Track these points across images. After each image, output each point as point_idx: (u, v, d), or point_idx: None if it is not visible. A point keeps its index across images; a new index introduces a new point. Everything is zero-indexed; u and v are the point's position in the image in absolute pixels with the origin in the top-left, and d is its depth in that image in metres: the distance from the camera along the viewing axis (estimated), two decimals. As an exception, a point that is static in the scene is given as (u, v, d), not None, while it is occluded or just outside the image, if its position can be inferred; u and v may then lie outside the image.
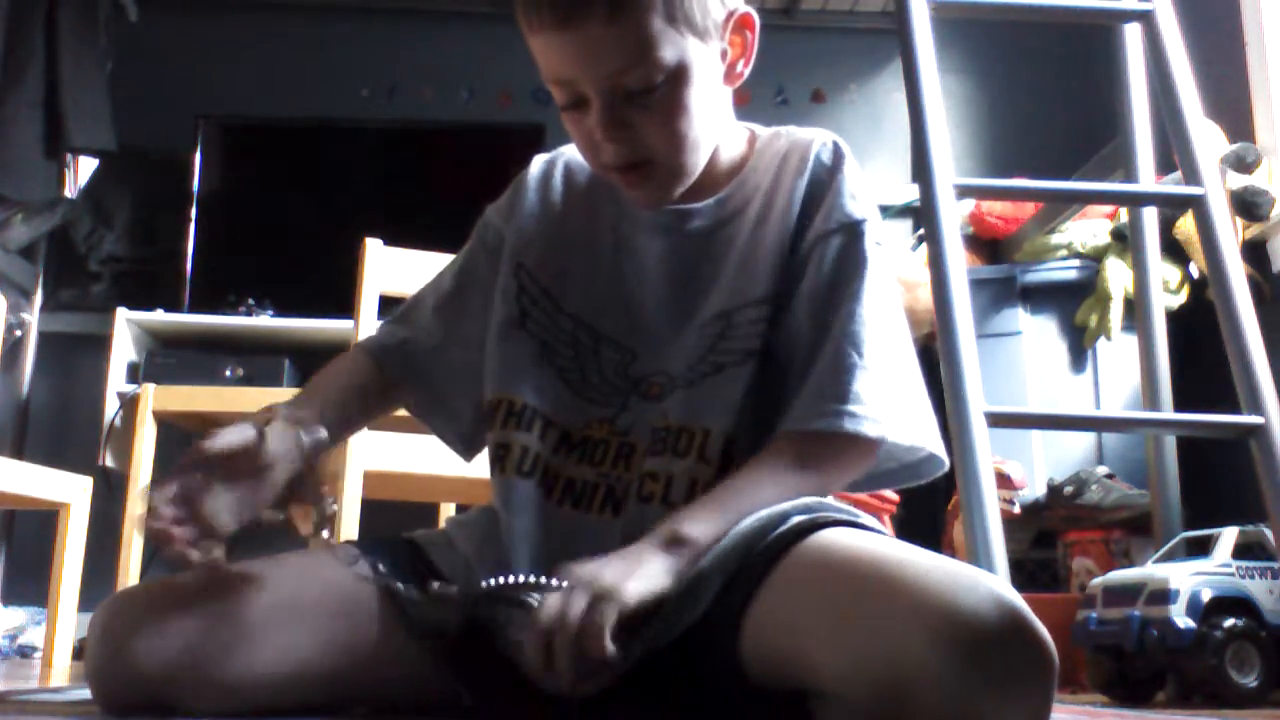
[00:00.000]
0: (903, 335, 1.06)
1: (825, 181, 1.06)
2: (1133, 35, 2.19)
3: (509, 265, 1.12)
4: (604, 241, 1.11)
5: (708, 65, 1.00)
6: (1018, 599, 0.76)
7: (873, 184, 3.65)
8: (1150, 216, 2.24)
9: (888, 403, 1.00)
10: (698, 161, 1.04)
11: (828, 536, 0.89)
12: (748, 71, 1.06)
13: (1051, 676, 0.75)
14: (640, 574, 0.88)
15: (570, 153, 1.17)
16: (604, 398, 1.06)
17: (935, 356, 1.63)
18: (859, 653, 0.77)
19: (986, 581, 0.77)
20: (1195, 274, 2.49)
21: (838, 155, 1.08)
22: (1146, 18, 1.89)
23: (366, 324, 1.93)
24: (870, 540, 0.88)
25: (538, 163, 1.18)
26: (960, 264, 1.66)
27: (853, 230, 1.05)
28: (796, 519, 0.92)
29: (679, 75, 0.97)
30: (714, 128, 1.05)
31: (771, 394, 1.02)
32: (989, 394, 1.60)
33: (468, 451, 1.18)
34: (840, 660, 0.78)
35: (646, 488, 1.00)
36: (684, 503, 0.99)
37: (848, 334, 1.01)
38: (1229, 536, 1.72)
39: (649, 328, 1.07)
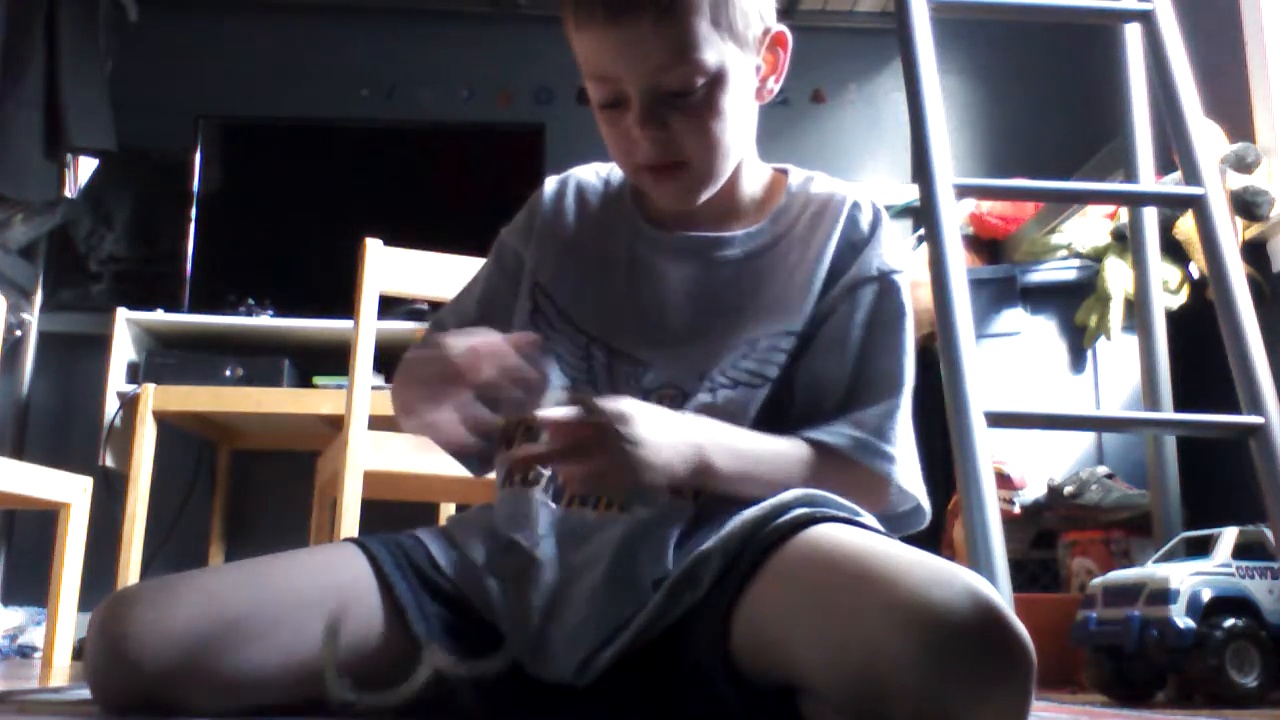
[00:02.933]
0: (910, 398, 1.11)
1: (863, 233, 1.10)
2: (1133, 35, 2.19)
3: (527, 286, 1.14)
4: (619, 262, 1.13)
5: (745, 75, 1.05)
6: (994, 595, 0.76)
7: (873, 184, 3.66)
8: (1150, 216, 2.24)
9: (907, 452, 1.06)
10: (726, 169, 1.07)
11: (821, 531, 0.90)
12: (777, 88, 1.10)
13: (1028, 673, 0.75)
14: (661, 448, 0.94)
15: (580, 174, 1.20)
16: None
17: (935, 356, 1.63)
18: (837, 646, 0.78)
19: (964, 577, 0.78)
20: (1195, 274, 2.49)
21: (877, 213, 1.12)
22: (1146, 18, 1.89)
23: (366, 324, 1.93)
24: (860, 536, 0.89)
25: (550, 183, 1.19)
26: (960, 264, 1.66)
27: (891, 281, 1.09)
28: (798, 511, 0.93)
29: (718, 79, 1.01)
30: (745, 139, 1.08)
31: (777, 421, 1.04)
32: (989, 394, 1.60)
33: (482, 468, 1.20)
34: (819, 653, 0.80)
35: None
36: (689, 496, 1.01)
37: (888, 379, 1.06)
38: (1229, 536, 1.72)
39: (665, 344, 1.08)
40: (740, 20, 1.02)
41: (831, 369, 1.07)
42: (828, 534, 0.89)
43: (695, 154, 1.03)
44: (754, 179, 1.14)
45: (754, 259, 1.10)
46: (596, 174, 1.20)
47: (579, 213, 1.17)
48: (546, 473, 1.05)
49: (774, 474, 1.00)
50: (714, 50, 1.00)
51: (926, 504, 1.09)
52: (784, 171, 1.17)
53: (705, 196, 1.08)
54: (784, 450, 1.03)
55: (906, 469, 1.06)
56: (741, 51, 1.03)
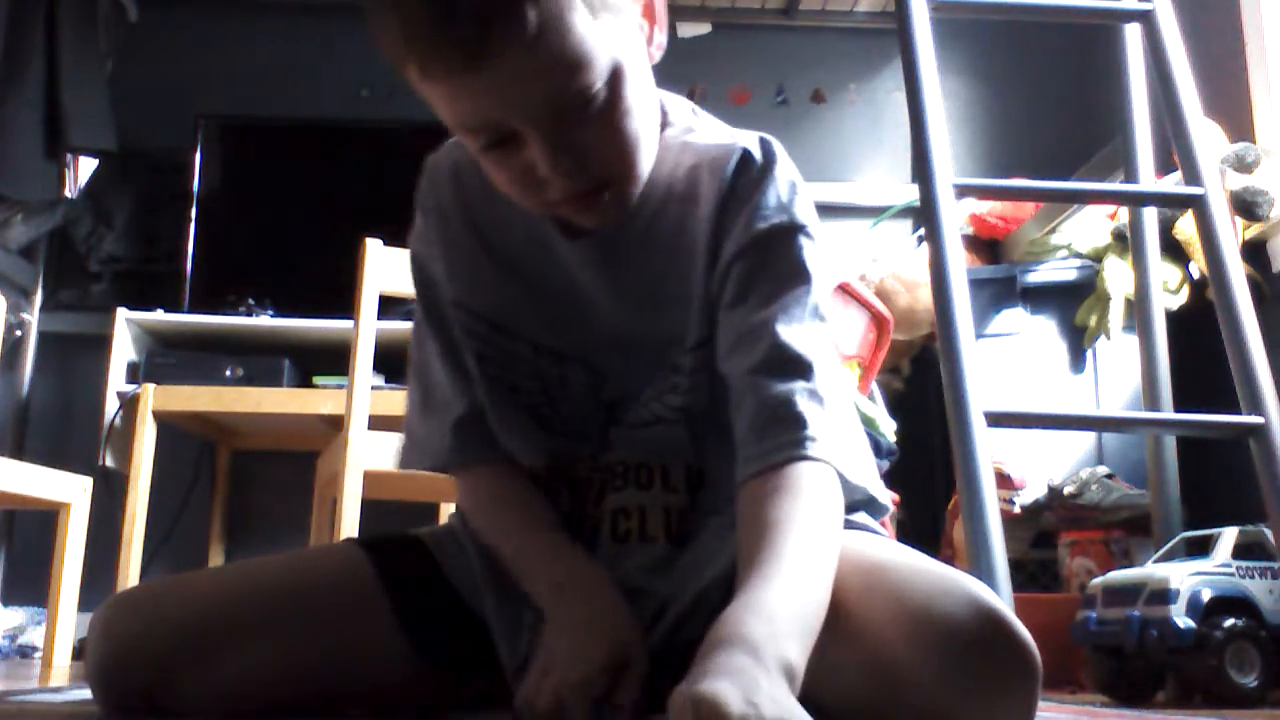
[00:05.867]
0: (837, 365, 0.97)
1: (747, 190, 0.94)
2: (1133, 35, 2.19)
3: (448, 304, 1.02)
4: (525, 255, 1.00)
5: (635, 47, 0.87)
6: (997, 602, 0.76)
7: (873, 184, 3.65)
8: (1150, 216, 2.24)
9: (837, 433, 0.90)
10: (649, 163, 0.92)
11: None
12: (665, 39, 0.92)
13: (1033, 679, 0.75)
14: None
15: (457, 157, 1.03)
16: (581, 428, 1.01)
17: (935, 356, 1.63)
18: (840, 658, 0.77)
19: (967, 585, 0.77)
20: (1195, 274, 2.49)
21: (767, 156, 0.95)
22: (1146, 18, 1.89)
23: (366, 324, 1.93)
24: (863, 543, 0.88)
25: (426, 177, 1.05)
26: (960, 264, 1.66)
27: (785, 236, 0.93)
28: None
29: (617, 74, 0.83)
30: (654, 119, 0.92)
31: (725, 443, 0.93)
32: (989, 394, 1.60)
33: None
34: (823, 666, 0.78)
35: (621, 525, 0.97)
36: (664, 535, 0.95)
37: (792, 361, 0.90)
38: (1229, 536, 1.72)
39: (602, 346, 1.00)
40: None
41: (733, 361, 0.91)
42: None
43: (617, 165, 0.87)
44: None
45: (646, 236, 0.96)
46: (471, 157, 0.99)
47: (467, 207, 1.02)
48: None
49: (820, 589, 0.79)
50: (601, 40, 0.81)
51: (882, 493, 0.95)
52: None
53: (634, 199, 0.93)
54: (795, 564, 0.79)
55: (842, 452, 0.88)
56: (622, 22, 0.84)
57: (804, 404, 0.88)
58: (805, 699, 0.81)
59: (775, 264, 0.93)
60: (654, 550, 0.96)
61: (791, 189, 0.96)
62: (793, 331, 0.90)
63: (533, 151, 0.84)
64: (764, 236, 0.93)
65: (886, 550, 0.86)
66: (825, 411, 0.89)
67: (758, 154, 0.95)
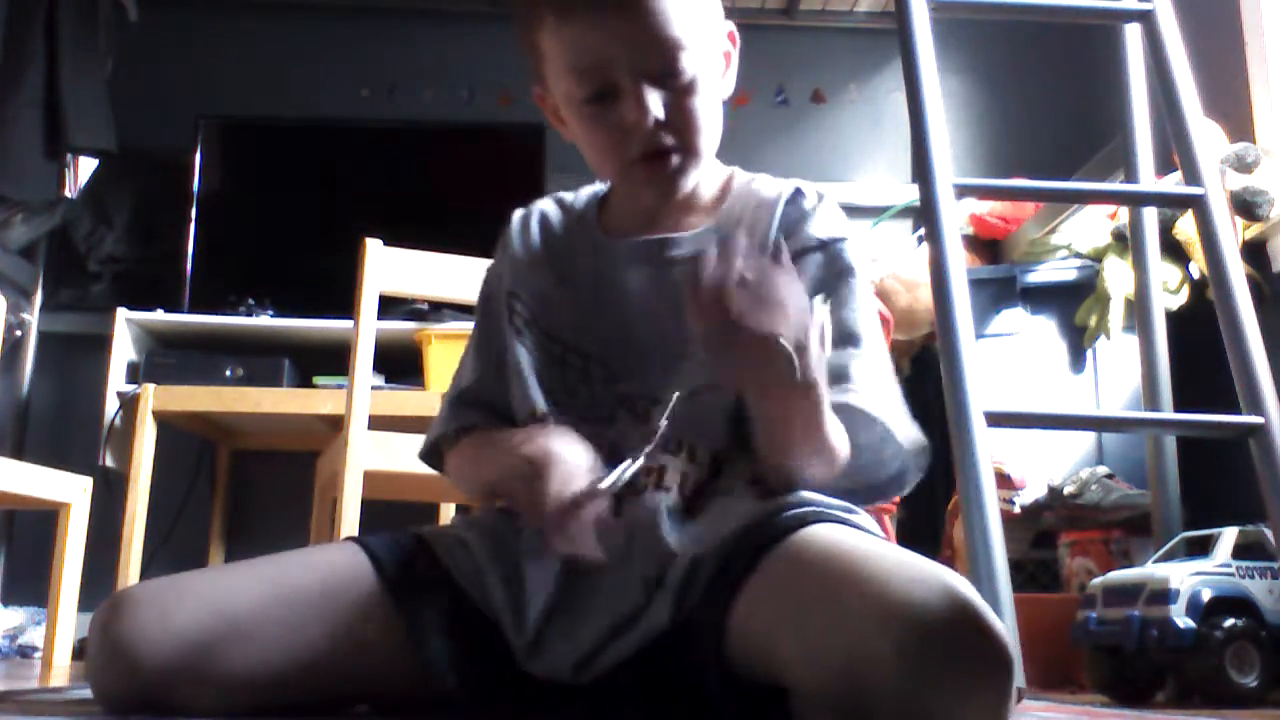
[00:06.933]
0: (888, 358, 1.09)
1: (803, 212, 1.10)
2: (1133, 35, 2.19)
3: (504, 297, 1.16)
4: (584, 277, 1.13)
5: (716, 60, 1.07)
6: (971, 594, 0.77)
7: (873, 184, 3.66)
8: (1150, 216, 2.24)
9: (884, 395, 1.04)
10: (709, 154, 1.08)
11: (813, 532, 0.90)
12: (732, 85, 1.12)
13: (1006, 673, 0.76)
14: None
15: (543, 204, 1.21)
16: (592, 410, 1.06)
17: (935, 356, 1.63)
18: (819, 647, 0.79)
19: (942, 577, 0.78)
20: (1195, 274, 2.49)
21: (820, 196, 1.12)
22: (1146, 18, 1.90)
23: (366, 324, 1.93)
24: (849, 536, 0.89)
25: (516, 216, 1.21)
26: (960, 264, 1.66)
27: (834, 247, 1.09)
28: (792, 512, 0.93)
29: (706, 60, 1.03)
30: (718, 123, 1.08)
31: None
32: (989, 394, 1.60)
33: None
34: (803, 655, 0.80)
35: (640, 480, 1.00)
36: (678, 492, 1.01)
37: (844, 335, 1.04)
38: (1229, 536, 1.72)
39: (636, 353, 1.07)
40: (711, 7, 1.06)
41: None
42: (819, 535, 0.90)
43: (688, 136, 1.04)
44: (711, 178, 1.14)
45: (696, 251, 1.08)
46: (559, 201, 1.21)
47: (544, 236, 1.18)
48: None
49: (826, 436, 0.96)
50: (701, 37, 1.03)
51: (923, 442, 1.06)
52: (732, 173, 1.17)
53: (690, 184, 1.09)
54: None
55: (885, 409, 1.03)
56: (714, 39, 1.06)
57: (856, 368, 1.03)
58: (781, 687, 0.83)
59: (829, 263, 1.08)
60: (665, 498, 1.00)
61: (839, 214, 1.12)
62: (848, 312, 1.06)
63: (625, 105, 1.01)
64: (818, 245, 1.08)
65: (870, 544, 0.87)
66: (875, 377, 1.04)
67: (810, 193, 1.12)
